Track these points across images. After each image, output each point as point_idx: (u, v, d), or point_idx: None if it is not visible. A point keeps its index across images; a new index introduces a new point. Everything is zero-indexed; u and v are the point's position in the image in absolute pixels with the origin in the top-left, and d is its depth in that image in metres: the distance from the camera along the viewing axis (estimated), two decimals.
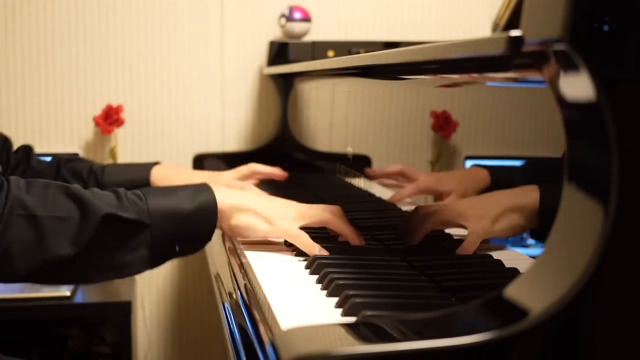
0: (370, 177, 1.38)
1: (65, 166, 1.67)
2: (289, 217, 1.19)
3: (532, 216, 0.84)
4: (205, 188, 1.16)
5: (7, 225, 1.02)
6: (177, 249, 1.11)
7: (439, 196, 1.12)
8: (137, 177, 1.66)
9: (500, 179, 0.95)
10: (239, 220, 1.17)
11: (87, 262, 1.05)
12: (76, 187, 1.07)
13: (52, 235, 1.02)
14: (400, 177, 1.24)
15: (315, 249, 1.15)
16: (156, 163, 1.70)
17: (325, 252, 1.15)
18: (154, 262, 1.10)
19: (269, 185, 1.88)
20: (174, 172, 1.67)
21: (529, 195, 0.84)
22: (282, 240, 1.25)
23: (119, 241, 1.06)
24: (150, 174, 1.65)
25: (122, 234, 1.06)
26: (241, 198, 1.19)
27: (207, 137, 2.40)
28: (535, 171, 0.87)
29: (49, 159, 1.72)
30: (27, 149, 1.72)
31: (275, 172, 1.77)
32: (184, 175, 1.65)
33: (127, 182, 1.62)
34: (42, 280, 1.09)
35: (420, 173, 1.17)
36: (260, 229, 1.18)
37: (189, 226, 1.12)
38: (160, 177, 1.65)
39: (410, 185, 1.21)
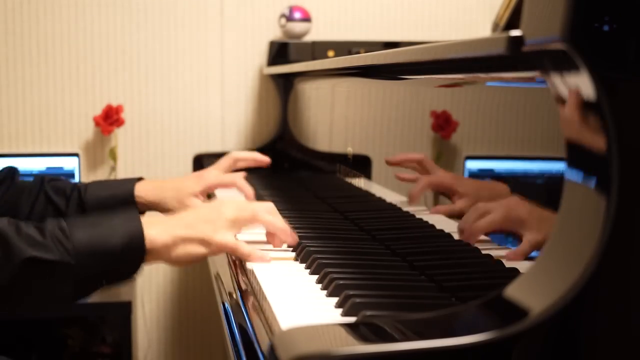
0: (391, 164, 1.34)
1: (49, 183, 1.61)
2: (222, 227, 1.16)
3: None
4: (134, 225, 1.11)
5: None
6: (103, 283, 1.10)
7: (451, 194, 1.10)
8: (120, 192, 1.58)
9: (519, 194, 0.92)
10: (177, 253, 1.14)
11: (7, 301, 1.04)
12: (2, 226, 1.04)
13: None
14: (418, 167, 1.21)
15: (255, 256, 1.14)
16: (140, 178, 1.62)
17: (265, 258, 1.14)
18: (78, 297, 1.08)
19: (268, 185, 1.88)
20: (158, 184, 1.59)
21: None
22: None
23: (40, 281, 1.05)
24: (134, 188, 1.57)
25: (44, 275, 1.04)
26: (169, 230, 1.14)
27: (207, 137, 2.40)
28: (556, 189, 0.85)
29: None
30: (12, 169, 1.65)
31: (257, 157, 1.72)
32: (169, 185, 1.58)
33: (110, 197, 1.55)
34: None
35: (439, 169, 1.14)
36: (199, 254, 1.15)
37: (116, 263, 1.09)
38: (145, 190, 1.57)
39: (425, 178, 1.18)
